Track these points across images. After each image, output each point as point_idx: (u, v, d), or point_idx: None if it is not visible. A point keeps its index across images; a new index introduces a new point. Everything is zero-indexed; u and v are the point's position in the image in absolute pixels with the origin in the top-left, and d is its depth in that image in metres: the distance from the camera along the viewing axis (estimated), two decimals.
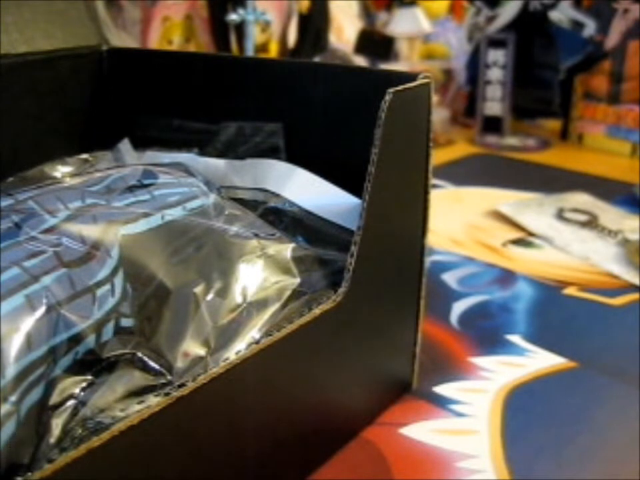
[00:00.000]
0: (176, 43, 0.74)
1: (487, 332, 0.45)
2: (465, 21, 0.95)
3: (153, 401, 0.23)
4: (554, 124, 0.91)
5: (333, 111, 0.39)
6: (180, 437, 0.24)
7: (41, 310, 0.23)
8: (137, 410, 0.23)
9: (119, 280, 0.26)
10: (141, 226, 0.28)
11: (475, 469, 0.34)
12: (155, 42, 0.72)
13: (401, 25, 0.88)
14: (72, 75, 0.45)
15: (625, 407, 0.38)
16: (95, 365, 0.24)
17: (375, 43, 0.92)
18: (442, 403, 0.38)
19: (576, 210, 0.64)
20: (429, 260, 0.44)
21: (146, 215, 0.29)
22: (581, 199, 0.67)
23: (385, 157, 0.31)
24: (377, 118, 0.30)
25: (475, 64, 0.89)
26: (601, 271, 0.54)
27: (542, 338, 0.44)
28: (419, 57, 0.91)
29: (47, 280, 0.24)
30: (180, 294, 0.27)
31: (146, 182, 0.31)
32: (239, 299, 0.28)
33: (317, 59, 0.82)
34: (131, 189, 0.30)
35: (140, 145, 0.40)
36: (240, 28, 0.72)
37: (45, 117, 0.44)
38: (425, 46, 0.96)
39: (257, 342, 0.27)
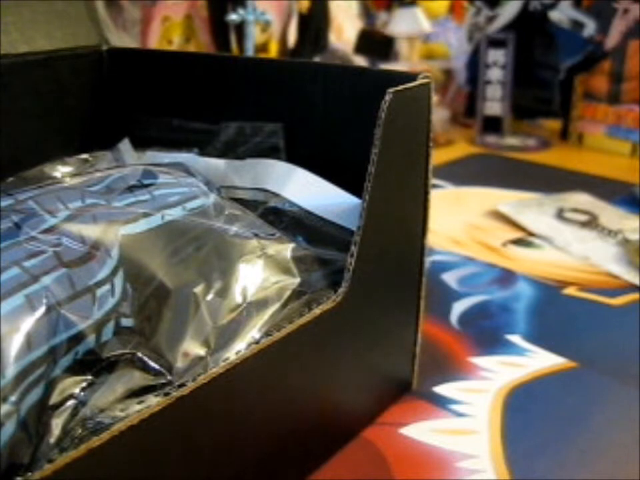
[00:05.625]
0: (176, 43, 0.74)
1: (486, 332, 0.45)
2: (464, 21, 0.95)
3: (153, 401, 0.23)
4: (554, 124, 0.91)
5: (333, 110, 0.39)
6: (180, 436, 0.24)
7: (41, 310, 0.23)
8: (137, 410, 0.23)
9: (119, 280, 0.26)
10: (141, 226, 0.28)
11: (475, 468, 0.34)
12: (154, 42, 0.72)
13: (401, 24, 0.88)
14: (72, 75, 0.45)
15: (624, 407, 0.38)
16: (95, 365, 0.24)
17: (375, 43, 0.92)
18: (442, 402, 0.38)
19: (576, 210, 0.64)
20: (429, 260, 0.44)
21: (146, 215, 0.29)
22: (581, 199, 0.67)
23: (385, 157, 0.31)
24: (377, 118, 0.30)
25: (474, 64, 0.89)
26: (601, 270, 0.54)
27: (542, 338, 0.44)
28: (418, 57, 0.91)
29: (46, 280, 0.24)
30: (180, 294, 0.27)
31: (146, 182, 0.31)
32: (239, 298, 0.28)
33: (317, 59, 0.82)
34: (131, 188, 0.30)
35: (140, 145, 0.40)
36: (240, 28, 0.72)
37: (45, 117, 0.44)
38: (425, 46, 0.96)
39: (257, 342, 0.27)
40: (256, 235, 0.31)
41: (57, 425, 0.23)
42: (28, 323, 0.23)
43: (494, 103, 0.87)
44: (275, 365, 0.28)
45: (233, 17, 0.70)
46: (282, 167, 0.37)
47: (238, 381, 0.26)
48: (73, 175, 0.33)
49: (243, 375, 0.26)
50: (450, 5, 1.02)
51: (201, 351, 0.27)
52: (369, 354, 0.35)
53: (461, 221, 0.64)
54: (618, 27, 0.82)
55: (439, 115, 0.90)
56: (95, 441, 0.21)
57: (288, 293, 0.30)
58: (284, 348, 0.28)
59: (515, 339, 0.44)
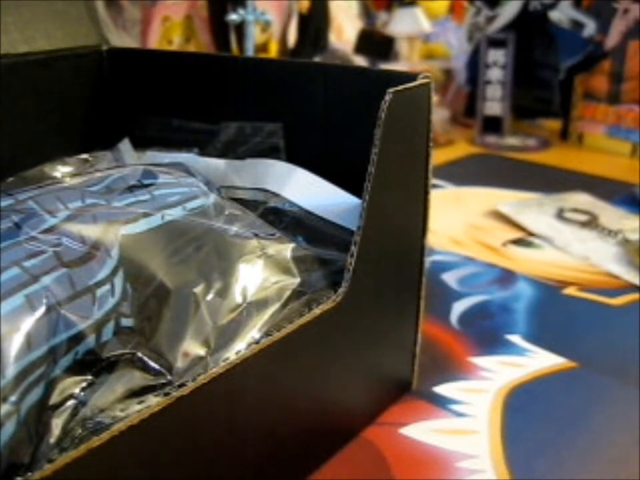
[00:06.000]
0: (176, 43, 0.74)
1: (486, 332, 0.45)
2: (464, 21, 0.95)
3: (153, 401, 0.23)
4: (554, 124, 0.91)
5: (333, 111, 0.39)
6: (180, 436, 0.24)
7: (41, 310, 0.23)
8: (137, 410, 0.23)
9: (119, 280, 0.26)
10: (141, 226, 0.28)
11: (475, 468, 0.34)
12: (154, 42, 0.72)
13: (401, 24, 0.88)
14: (72, 75, 0.45)
15: (624, 407, 0.38)
16: (95, 365, 0.24)
17: (375, 43, 0.92)
18: (442, 402, 0.38)
19: (576, 210, 0.64)
20: (429, 260, 0.44)
21: (146, 215, 0.29)
22: (581, 199, 0.67)
23: (385, 157, 0.31)
24: (377, 118, 0.30)
25: (474, 64, 0.89)
26: (601, 271, 0.54)
27: (542, 338, 0.44)
28: (419, 57, 0.91)
29: (46, 280, 0.24)
30: (180, 294, 0.27)
31: (146, 182, 0.31)
32: (239, 298, 0.28)
33: (317, 59, 0.82)
34: (131, 189, 0.30)
35: (140, 145, 0.40)
36: (240, 28, 0.72)
37: (45, 117, 0.44)
38: (425, 46, 0.96)
39: (257, 342, 0.27)
40: (256, 235, 0.31)
41: (56, 425, 0.23)
42: (28, 323, 0.23)
43: (494, 103, 0.87)
44: (275, 365, 0.28)
45: (233, 16, 0.70)
46: (282, 167, 0.37)
47: (238, 380, 0.26)
48: (73, 175, 0.33)
49: (242, 375, 0.26)
50: (450, 4, 1.02)
51: (201, 351, 0.27)
52: (368, 354, 0.35)
53: (461, 221, 0.64)
54: (618, 27, 0.82)
55: (439, 114, 0.90)
56: (95, 441, 0.21)
57: (288, 292, 0.30)
58: (284, 348, 0.28)
59: (515, 338, 0.44)
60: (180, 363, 0.26)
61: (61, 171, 0.36)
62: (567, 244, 0.58)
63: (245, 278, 0.29)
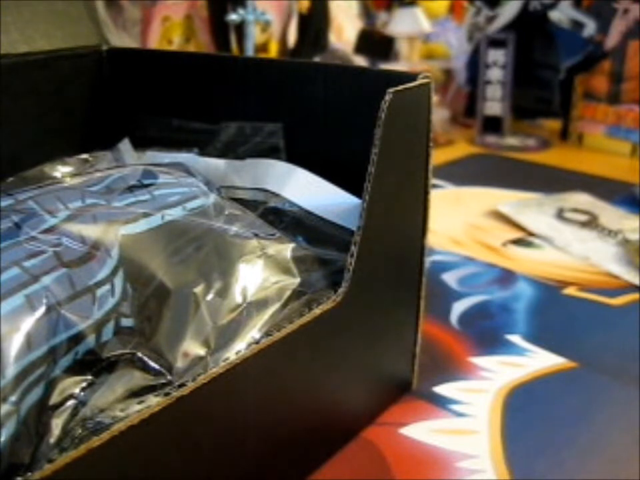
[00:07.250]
0: (176, 43, 0.74)
1: (487, 332, 0.45)
2: (464, 21, 0.95)
3: (153, 401, 0.23)
4: (554, 124, 0.91)
5: (333, 111, 0.39)
6: (180, 437, 0.24)
7: (41, 310, 0.23)
8: (136, 410, 0.23)
9: (119, 280, 0.26)
10: (141, 226, 0.28)
11: (475, 468, 0.34)
12: (154, 42, 0.72)
13: (401, 24, 0.88)
14: (72, 75, 0.45)
15: (624, 407, 0.38)
16: (95, 365, 0.24)
17: (375, 42, 0.92)
18: (442, 402, 0.38)
19: (576, 210, 0.64)
20: (429, 260, 0.44)
21: (146, 215, 0.29)
22: (581, 199, 0.67)
23: (384, 157, 0.31)
24: (376, 118, 0.30)
25: (474, 64, 0.89)
26: (601, 270, 0.54)
27: (542, 338, 0.44)
28: (419, 57, 0.91)
29: (46, 280, 0.24)
30: (180, 294, 0.27)
31: (146, 182, 0.31)
32: (239, 298, 0.28)
33: (317, 59, 0.82)
34: (131, 189, 0.30)
35: (140, 145, 0.40)
36: (240, 28, 0.72)
37: (45, 117, 0.44)
38: (425, 46, 0.96)
39: (257, 342, 0.27)
40: (256, 235, 0.31)
41: (56, 425, 0.23)
42: (28, 323, 0.23)
43: (494, 103, 0.87)
44: (275, 365, 0.28)
45: (233, 16, 0.70)
46: (282, 167, 0.37)
47: (238, 381, 0.26)
48: (73, 175, 0.33)
49: (243, 375, 0.26)
50: (450, 4, 1.02)
51: (201, 351, 0.27)
52: (369, 354, 0.35)
53: (461, 221, 0.64)
54: (618, 27, 0.82)
55: (439, 114, 0.90)
56: (95, 441, 0.21)
57: (288, 293, 0.30)
58: (284, 348, 0.28)
59: (515, 338, 0.44)
60: (180, 363, 0.26)
61: (60, 170, 0.35)
62: (567, 244, 0.58)
63: (244, 278, 0.29)
